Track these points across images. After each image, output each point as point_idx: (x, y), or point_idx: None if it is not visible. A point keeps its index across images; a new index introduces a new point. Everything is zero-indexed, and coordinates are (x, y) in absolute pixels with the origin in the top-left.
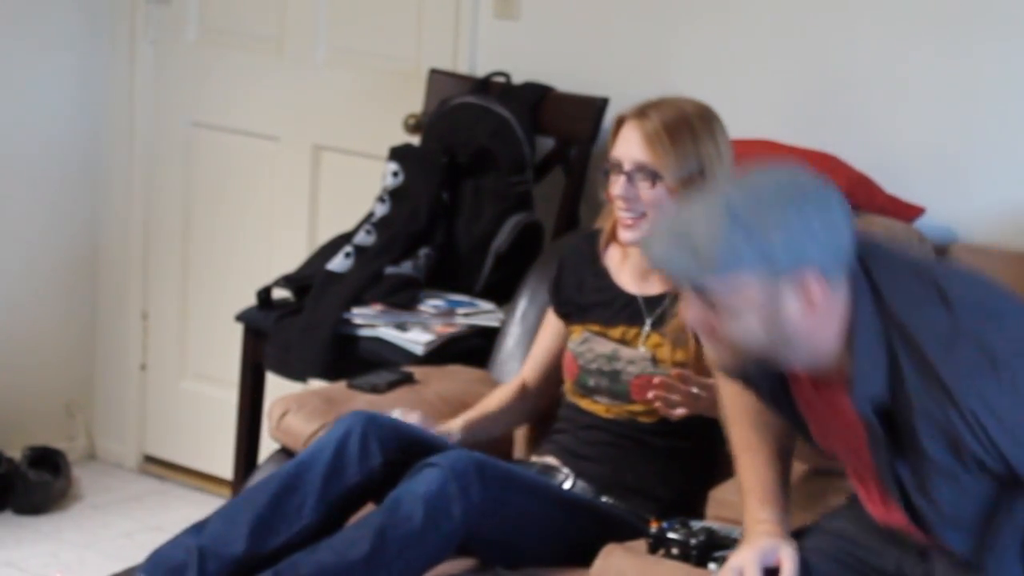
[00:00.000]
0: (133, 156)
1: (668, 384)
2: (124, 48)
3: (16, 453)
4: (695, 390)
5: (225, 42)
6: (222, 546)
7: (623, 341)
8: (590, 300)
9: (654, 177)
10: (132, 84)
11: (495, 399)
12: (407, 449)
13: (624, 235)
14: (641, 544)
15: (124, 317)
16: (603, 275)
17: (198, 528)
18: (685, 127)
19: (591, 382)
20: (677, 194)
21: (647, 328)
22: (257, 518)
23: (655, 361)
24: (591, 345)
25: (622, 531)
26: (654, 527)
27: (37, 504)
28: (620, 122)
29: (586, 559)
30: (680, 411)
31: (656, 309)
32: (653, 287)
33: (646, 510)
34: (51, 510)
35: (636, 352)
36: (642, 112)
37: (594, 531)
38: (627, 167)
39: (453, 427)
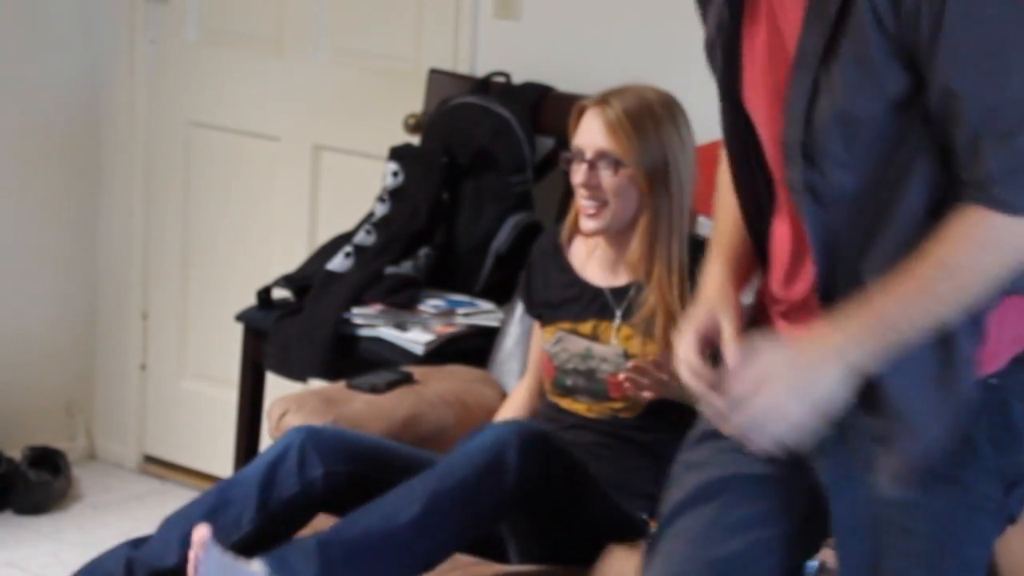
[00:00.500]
0: (133, 156)
1: (641, 368)
2: (124, 48)
3: (16, 453)
4: (665, 377)
5: (225, 42)
6: (155, 558)
7: (594, 336)
8: (558, 297)
9: (616, 164)
10: (132, 84)
11: (510, 412)
12: (354, 459)
13: (586, 224)
14: (642, 544)
15: (124, 317)
16: (569, 270)
17: (136, 542)
18: (647, 114)
19: (568, 382)
20: (642, 186)
21: (617, 321)
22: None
23: (627, 356)
24: (564, 345)
25: (623, 530)
26: (654, 527)
27: (37, 504)
28: (581, 111)
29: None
30: (647, 394)
31: (623, 300)
32: (619, 278)
33: (635, 507)
34: (51, 510)
35: (608, 348)
36: (603, 100)
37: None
38: (589, 155)
39: None
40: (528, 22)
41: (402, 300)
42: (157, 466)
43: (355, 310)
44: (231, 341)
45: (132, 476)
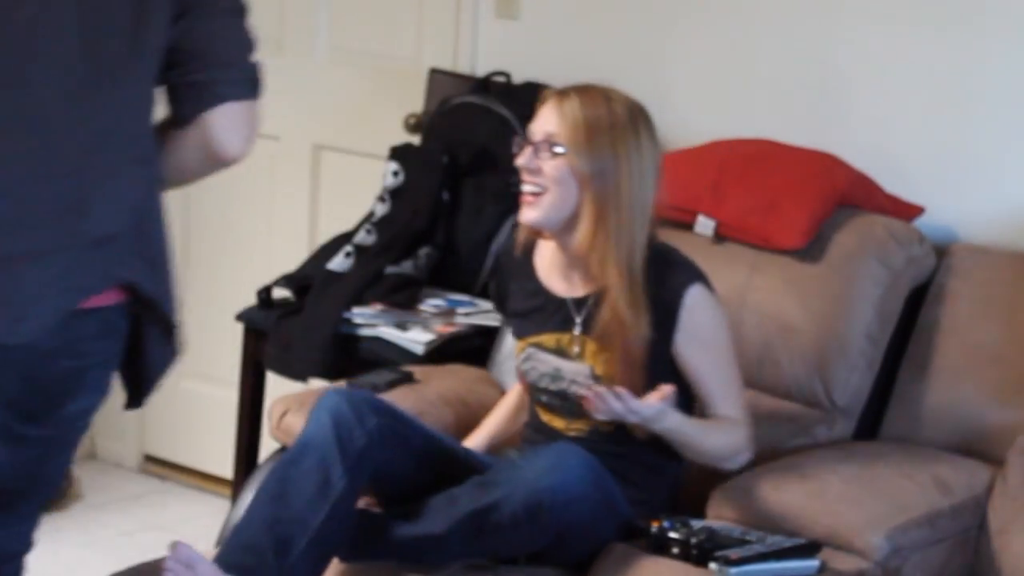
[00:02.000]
0: None
1: (602, 396)
2: None
3: None
4: (620, 409)
5: None
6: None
7: (560, 351)
8: (523, 307)
9: (559, 151)
10: None
11: (505, 406)
12: (382, 413)
13: (523, 214)
14: (641, 543)
15: None
16: (534, 279)
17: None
18: (605, 114)
19: (544, 399)
20: (585, 180)
21: (577, 331)
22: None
23: (596, 377)
24: (534, 363)
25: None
26: (654, 527)
27: None
28: (544, 100)
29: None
30: (601, 417)
31: (583, 311)
32: (578, 288)
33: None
34: (51, 510)
35: (577, 368)
36: (564, 92)
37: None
38: (536, 138)
39: (478, 446)
40: (528, 22)
41: (402, 300)
42: (157, 465)
43: (355, 310)
44: (231, 341)
45: (132, 476)
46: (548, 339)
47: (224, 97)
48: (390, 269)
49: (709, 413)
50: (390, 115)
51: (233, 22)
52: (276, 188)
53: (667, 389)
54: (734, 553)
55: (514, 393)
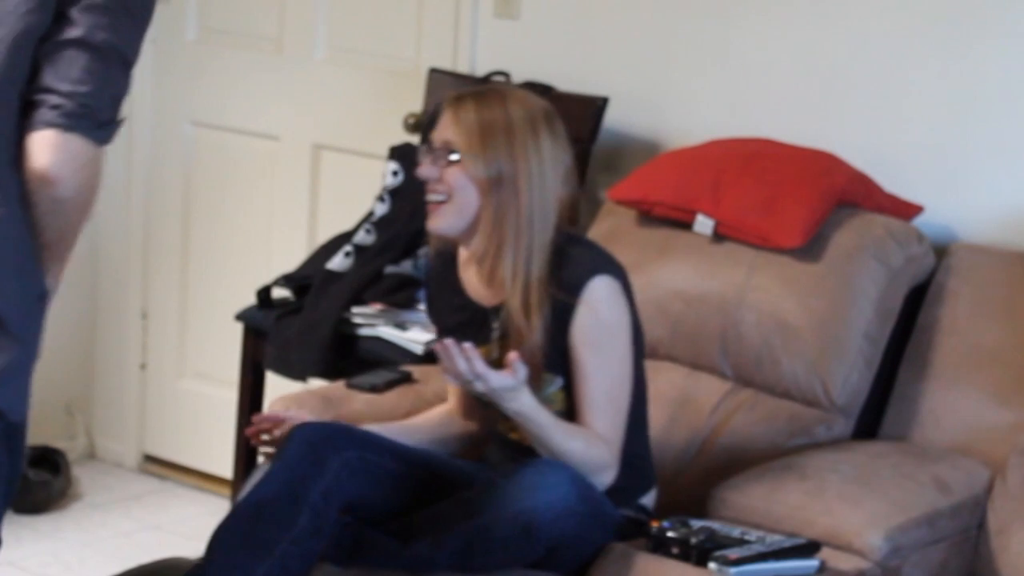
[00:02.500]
0: (133, 155)
1: (448, 350)
2: None
3: None
4: (464, 368)
5: (225, 41)
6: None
7: (490, 365)
8: (451, 322)
9: (455, 158)
10: (132, 83)
11: (421, 416)
12: (356, 444)
13: (428, 223)
14: (641, 543)
15: (124, 316)
16: (459, 291)
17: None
18: (501, 119)
19: (495, 414)
20: (482, 185)
21: (495, 342)
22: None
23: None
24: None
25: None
26: (654, 526)
27: (37, 503)
28: (442, 107)
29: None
30: (450, 379)
31: (497, 321)
32: (493, 297)
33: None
34: (51, 510)
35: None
36: (461, 97)
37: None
38: (435, 146)
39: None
40: (528, 21)
41: (402, 299)
42: (157, 465)
43: (355, 309)
44: (231, 340)
45: (132, 475)
46: (483, 351)
47: (50, 124)
48: (390, 269)
49: (577, 421)
50: (390, 115)
51: (91, 56)
52: (276, 188)
53: (518, 364)
54: (733, 553)
55: (435, 412)
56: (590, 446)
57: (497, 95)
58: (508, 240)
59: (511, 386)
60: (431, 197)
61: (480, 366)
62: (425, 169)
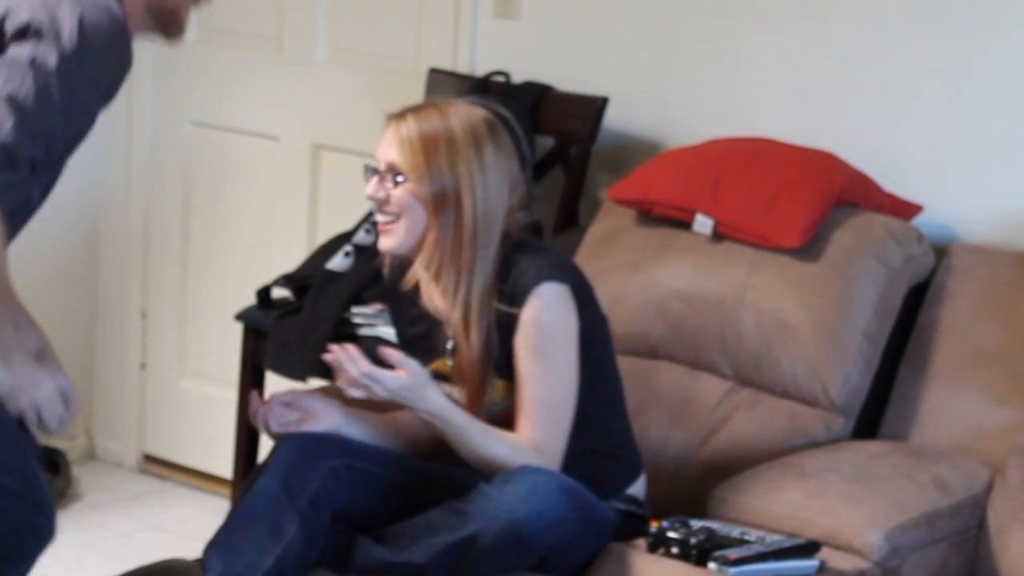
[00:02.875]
0: (132, 155)
1: (338, 357)
2: None
3: None
4: (355, 372)
5: (225, 42)
6: None
7: (442, 377)
8: (410, 333)
9: (400, 179)
10: (131, 83)
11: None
12: (345, 454)
13: (379, 241)
14: (640, 543)
15: (124, 316)
16: (418, 304)
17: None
18: (442, 135)
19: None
20: (428, 202)
21: (448, 350)
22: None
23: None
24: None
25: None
26: (654, 526)
27: None
28: (385, 125)
29: None
30: (348, 390)
31: (450, 331)
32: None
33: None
34: None
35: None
36: (401, 114)
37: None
38: (380, 167)
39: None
40: (528, 22)
41: None
42: (157, 465)
43: (355, 309)
44: (231, 340)
45: (131, 475)
46: (440, 364)
47: None
48: None
49: (513, 428)
50: None
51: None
52: (276, 188)
53: (412, 364)
54: (733, 553)
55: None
56: (516, 452)
57: (436, 110)
58: (449, 255)
59: (410, 385)
60: (379, 217)
61: (367, 366)
62: (371, 189)
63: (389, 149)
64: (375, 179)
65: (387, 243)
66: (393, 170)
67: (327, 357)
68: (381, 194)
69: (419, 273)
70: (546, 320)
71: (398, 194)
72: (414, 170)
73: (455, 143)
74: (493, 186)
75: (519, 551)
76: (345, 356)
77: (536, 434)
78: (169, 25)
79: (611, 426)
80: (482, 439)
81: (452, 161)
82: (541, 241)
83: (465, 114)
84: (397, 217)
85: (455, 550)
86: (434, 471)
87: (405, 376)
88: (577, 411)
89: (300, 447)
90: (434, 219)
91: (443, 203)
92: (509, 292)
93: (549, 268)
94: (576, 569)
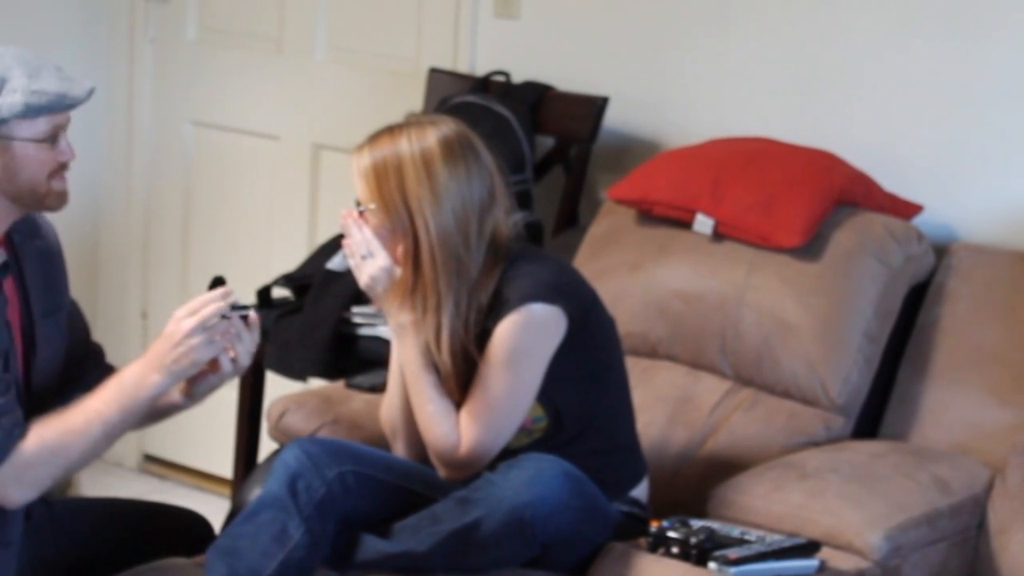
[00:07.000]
0: (132, 155)
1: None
2: (124, 47)
3: None
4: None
5: (225, 41)
6: None
7: None
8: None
9: (367, 212)
10: (131, 83)
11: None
12: (352, 459)
13: (359, 283)
14: (641, 543)
15: (124, 316)
16: None
17: None
18: (392, 163)
19: None
20: (390, 232)
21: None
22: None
23: None
24: None
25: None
26: (654, 526)
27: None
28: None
29: None
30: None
31: None
32: None
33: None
34: None
35: None
36: (360, 148)
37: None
38: (359, 198)
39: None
40: (528, 21)
41: None
42: (157, 465)
43: (355, 309)
44: None
45: (132, 475)
46: None
47: None
48: None
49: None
50: (390, 115)
51: None
52: (276, 188)
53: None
54: (733, 553)
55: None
56: (444, 420)
57: (389, 136)
58: (411, 279)
59: (389, 267)
60: (360, 252)
61: (370, 234)
62: (344, 227)
63: (356, 184)
64: (349, 218)
65: (361, 283)
66: (361, 204)
67: (341, 222)
68: (360, 224)
69: (398, 294)
70: (522, 337)
71: (374, 228)
72: (371, 200)
73: (402, 168)
74: (449, 208)
75: (523, 539)
76: (354, 221)
77: (470, 425)
78: (42, 200)
79: (617, 428)
80: (427, 387)
81: (400, 186)
82: (542, 250)
83: (417, 136)
84: (369, 253)
85: (458, 538)
86: (440, 478)
87: (396, 266)
88: (585, 412)
89: (307, 453)
90: (398, 245)
91: (401, 228)
92: (497, 309)
93: (541, 287)
94: (577, 564)
